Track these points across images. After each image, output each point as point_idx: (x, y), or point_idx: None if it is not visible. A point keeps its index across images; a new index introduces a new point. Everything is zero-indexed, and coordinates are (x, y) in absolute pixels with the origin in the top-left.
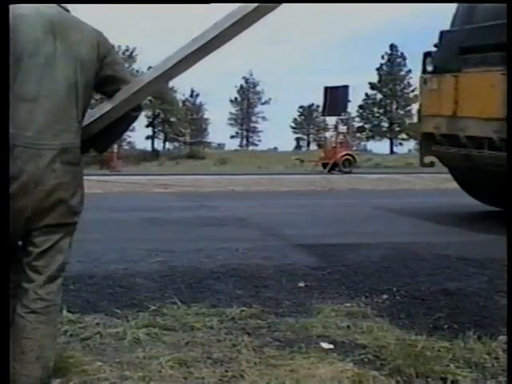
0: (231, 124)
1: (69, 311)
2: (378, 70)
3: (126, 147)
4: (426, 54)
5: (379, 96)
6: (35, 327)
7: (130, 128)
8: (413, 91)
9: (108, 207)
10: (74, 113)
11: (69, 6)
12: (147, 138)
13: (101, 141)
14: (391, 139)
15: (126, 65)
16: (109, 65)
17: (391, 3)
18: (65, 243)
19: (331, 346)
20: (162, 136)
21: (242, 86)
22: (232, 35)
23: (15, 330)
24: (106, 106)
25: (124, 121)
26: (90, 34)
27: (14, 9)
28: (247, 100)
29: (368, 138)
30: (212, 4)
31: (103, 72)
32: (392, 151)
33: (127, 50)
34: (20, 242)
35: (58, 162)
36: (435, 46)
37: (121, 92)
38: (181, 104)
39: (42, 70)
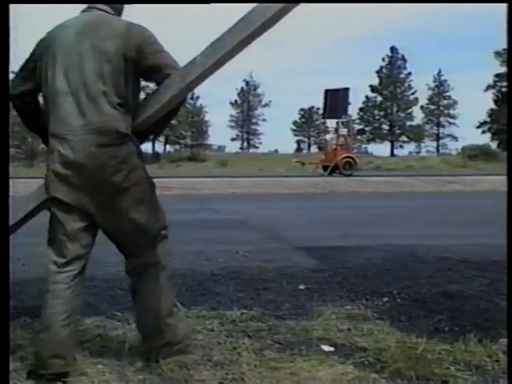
0: (232, 126)
1: None
2: (378, 72)
3: None
4: None
5: (380, 98)
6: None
7: None
8: (413, 93)
9: None
10: (103, 99)
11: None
12: (148, 140)
13: (158, 127)
14: (392, 142)
15: None
16: (150, 54)
17: (391, 3)
18: (132, 215)
19: (332, 349)
20: (162, 138)
21: (242, 89)
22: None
23: None
24: (164, 96)
25: (176, 109)
26: (118, 27)
27: (58, 26)
28: (248, 102)
29: (369, 141)
30: (212, 4)
31: (146, 62)
32: (393, 154)
33: None
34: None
35: (94, 144)
36: None
37: (176, 80)
38: None
39: (73, 66)
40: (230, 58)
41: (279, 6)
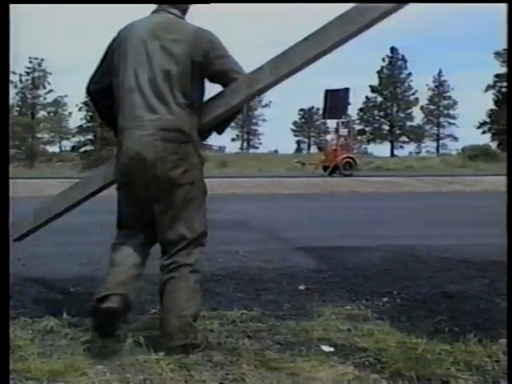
0: (232, 127)
1: (69, 314)
2: (378, 72)
3: None
4: None
5: (380, 99)
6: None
7: None
8: (413, 94)
9: (109, 210)
10: (171, 98)
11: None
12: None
13: (223, 125)
14: (392, 142)
15: None
16: (215, 59)
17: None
18: (180, 212)
19: (332, 349)
20: None
21: None
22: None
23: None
24: (232, 100)
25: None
26: (187, 32)
27: (130, 25)
28: (247, 103)
29: (369, 141)
30: (212, 4)
31: (212, 66)
32: (393, 154)
33: None
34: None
35: (159, 139)
36: None
37: (243, 86)
38: None
39: (143, 65)
40: (300, 70)
41: (350, 26)
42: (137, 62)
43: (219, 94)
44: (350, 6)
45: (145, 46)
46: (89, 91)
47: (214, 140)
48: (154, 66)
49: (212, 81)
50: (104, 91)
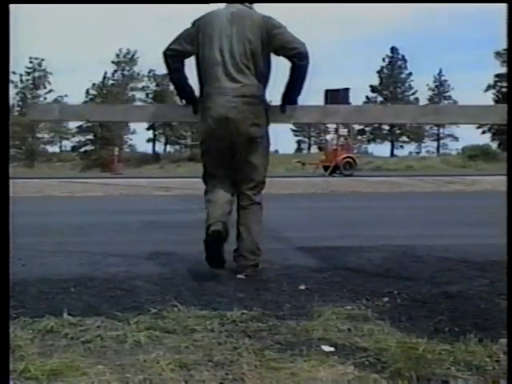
0: None
1: (69, 314)
2: (378, 72)
3: (127, 150)
4: None
5: (380, 99)
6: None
7: (131, 131)
8: (413, 94)
9: (109, 210)
10: (247, 71)
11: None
12: (148, 140)
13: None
14: (392, 142)
15: (127, 67)
16: (276, 36)
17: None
18: (253, 160)
19: (332, 349)
20: (162, 139)
21: None
22: None
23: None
24: (302, 119)
25: (300, 75)
26: (257, 19)
27: (210, 13)
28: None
29: (369, 141)
30: (212, 4)
31: (275, 43)
32: (393, 154)
33: (128, 53)
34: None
35: (239, 102)
36: None
37: (318, 113)
38: None
39: (224, 44)
40: (365, 123)
41: (426, 117)
42: (220, 43)
43: (297, 107)
44: (350, 6)
45: (226, 31)
46: (166, 54)
47: None
48: (233, 46)
49: (277, 54)
50: (179, 56)
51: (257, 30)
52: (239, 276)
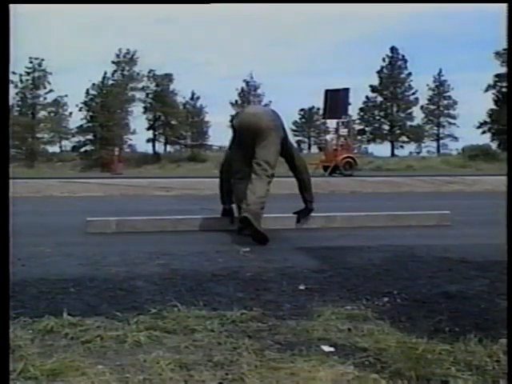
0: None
1: (69, 314)
2: (378, 72)
3: (127, 150)
4: None
5: (380, 99)
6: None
7: (131, 131)
8: (413, 94)
9: (109, 210)
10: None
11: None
12: (148, 140)
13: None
14: (392, 142)
15: (127, 67)
16: None
17: (391, 3)
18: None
19: (332, 349)
20: (162, 139)
21: (242, 89)
22: None
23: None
24: (308, 224)
25: None
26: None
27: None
28: (248, 103)
29: (369, 141)
30: (212, 4)
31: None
32: (393, 154)
33: (128, 53)
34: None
35: (262, 110)
36: None
37: (321, 219)
38: (181, 107)
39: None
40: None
41: None
42: None
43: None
44: (350, 6)
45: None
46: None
47: (214, 140)
48: None
49: None
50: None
51: None
52: (244, 249)
